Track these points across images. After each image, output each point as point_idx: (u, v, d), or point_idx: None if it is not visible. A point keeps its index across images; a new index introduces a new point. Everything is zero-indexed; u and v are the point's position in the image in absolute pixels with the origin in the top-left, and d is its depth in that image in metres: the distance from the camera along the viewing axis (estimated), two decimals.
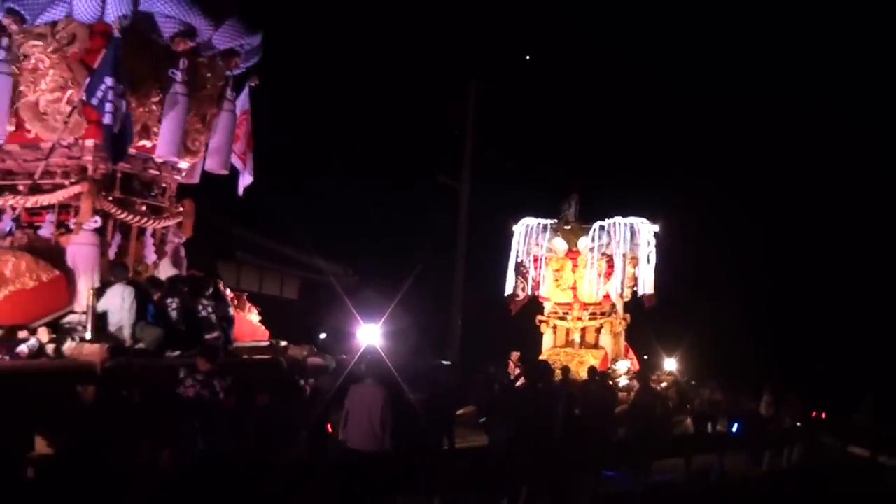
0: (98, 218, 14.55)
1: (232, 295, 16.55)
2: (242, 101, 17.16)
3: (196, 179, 17.05)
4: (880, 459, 32.19)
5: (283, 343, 16.38)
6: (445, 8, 40.57)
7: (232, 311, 15.68)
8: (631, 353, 29.80)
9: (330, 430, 14.91)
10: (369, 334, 16.91)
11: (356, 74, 35.81)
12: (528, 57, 35.49)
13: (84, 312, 13.72)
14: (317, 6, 36.86)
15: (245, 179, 17.62)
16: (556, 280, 29.66)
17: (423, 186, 34.27)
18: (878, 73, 54.98)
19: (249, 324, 16.79)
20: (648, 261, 29.43)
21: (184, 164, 16.14)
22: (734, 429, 25.64)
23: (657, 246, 29.71)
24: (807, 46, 55.71)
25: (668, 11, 53.68)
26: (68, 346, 12.97)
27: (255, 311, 17.13)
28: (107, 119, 13.59)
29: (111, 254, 15.00)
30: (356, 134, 39.95)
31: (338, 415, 13.75)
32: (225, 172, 17.05)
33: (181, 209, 16.21)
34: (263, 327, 17.28)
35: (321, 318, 33.38)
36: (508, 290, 30.11)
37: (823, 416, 35.39)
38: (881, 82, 54.02)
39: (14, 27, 14.34)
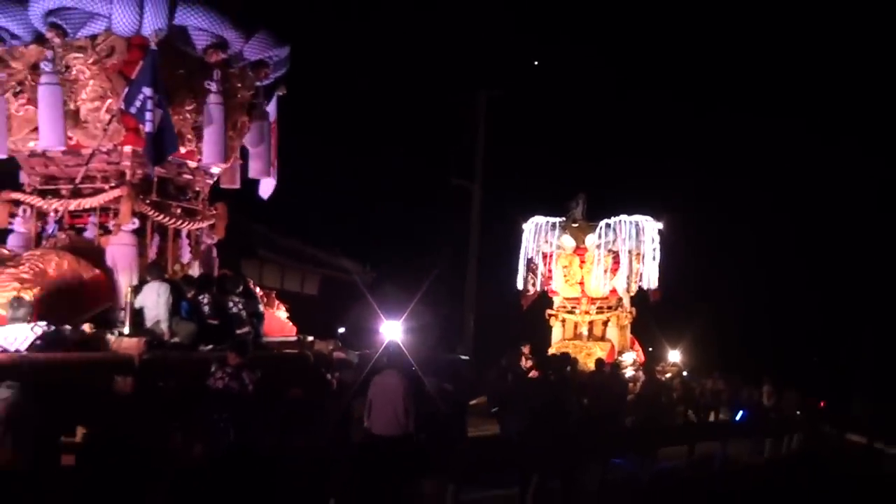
0: (136, 220, 14.85)
1: (261, 293, 16.74)
2: (271, 109, 17.34)
3: (237, 185, 17.34)
4: (876, 446, 32.57)
5: (310, 338, 16.59)
6: (456, 17, 40.97)
7: (262, 307, 15.87)
8: (637, 346, 29.91)
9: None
10: (390, 329, 17.10)
11: (375, 82, 35.96)
12: (535, 63, 35.56)
13: (123, 308, 14.08)
14: (341, 20, 37.29)
15: (270, 184, 17.83)
16: (565, 276, 29.65)
17: (437, 188, 34.38)
18: (867, 77, 55.53)
19: (278, 320, 17.05)
20: (653, 257, 29.55)
21: (215, 169, 16.41)
22: (739, 416, 25.83)
23: (661, 243, 29.84)
24: (793, 55, 56.40)
25: (671, 20, 54.28)
26: (108, 339, 13.20)
27: (283, 308, 17.39)
28: (147, 127, 13.91)
29: (151, 254, 15.29)
30: (372, 138, 40.33)
31: (360, 405, 14.09)
32: (267, 177, 17.36)
33: (214, 212, 16.51)
34: (291, 323, 17.58)
35: (340, 314, 33.68)
36: (519, 286, 30.29)
37: (822, 405, 35.68)
38: (872, 86, 54.60)
39: (57, 40, 14.58)
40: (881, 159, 52.18)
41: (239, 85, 16.24)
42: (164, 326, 13.88)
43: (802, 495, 22.40)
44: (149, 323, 13.90)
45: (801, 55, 56.09)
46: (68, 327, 12.77)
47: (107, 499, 8.35)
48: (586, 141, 47.65)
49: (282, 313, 17.17)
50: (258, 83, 16.75)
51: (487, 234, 33.04)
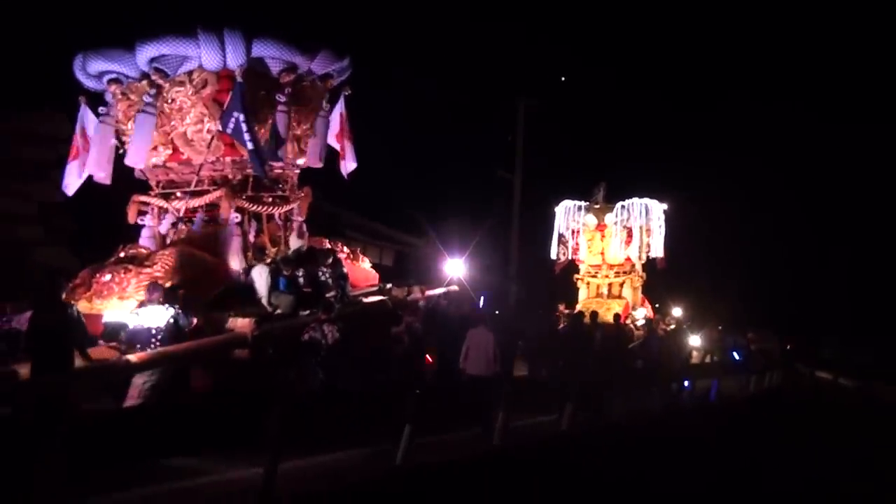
0: (238, 214, 15.02)
1: (348, 250, 16.47)
2: (339, 106, 16.91)
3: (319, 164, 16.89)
4: (840, 381, 33.41)
5: (389, 285, 16.28)
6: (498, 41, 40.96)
7: (345, 269, 15.35)
8: (647, 303, 29.83)
9: (429, 360, 15.23)
10: (453, 267, 16.79)
11: (438, 94, 35.89)
12: (563, 78, 35.26)
13: (236, 288, 14.08)
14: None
15: (349, 166, 17.27)
16: (589, 247, 29.46)
17: (486, 179, 34.28)
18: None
19: (363, 270, 16.63)
20: (659, 232, 29.67)
21: (300, 160, 16.28)
22: (736, 356, 25.84)
23: (665, 220, 29.88)
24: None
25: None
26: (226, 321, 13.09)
27: (367, 260, 17.07)
28: (249, 146, 13.92)
29: (251, 238, 15.33)
30: (434, 139, 40.53)
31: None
32: (319, 165, 16.67)
33: (301, 195, 16.35)
34: (374, 271, 17.34)
35: (412, 279, 33.77)
36: (553, 256, 30.30)
37: (796, 348, 35.87)
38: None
39: (160, 81, 14.70)
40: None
41: (311, 94, 16.06)
42: (264, 300, 13.72)
43: (781, 419, 22.42)
44: (258, 296, 13.83)
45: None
46: (194, 320, 12.45)
47: (232, 427, 8.36)
48: (606, 138, 48.30)
49: (366, 264, 16.77)
50: (326, 92, 16.52)
51: (528, 214, 32.84)
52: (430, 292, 16.12)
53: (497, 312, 17.22)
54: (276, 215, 15.86)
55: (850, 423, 23.58)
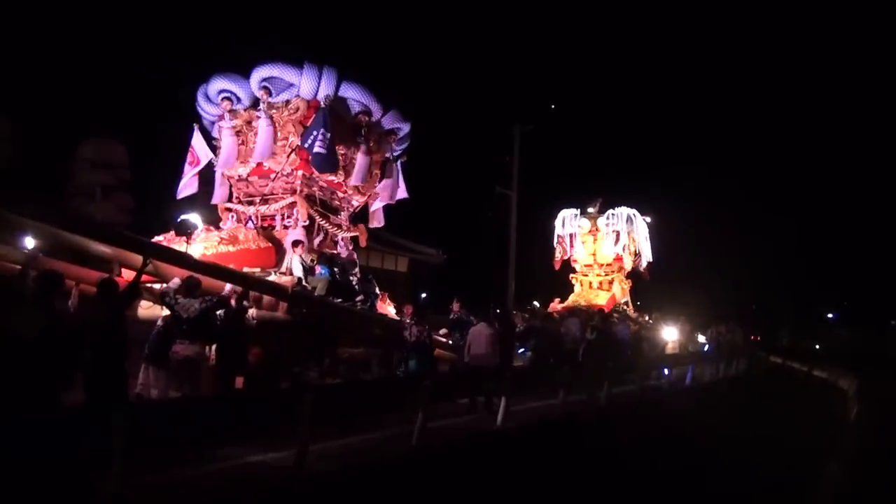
0: (307, 220, 15.56)
1: (380, 292, 16.55)
2: (397, 167, 17.61)
3: (381, 223, 17.71)
4: (788, 363, 36.94)
5: (407, 319, 16.23)
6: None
7: (378, 291, 16.03)
8: (630, 305, 29.85)
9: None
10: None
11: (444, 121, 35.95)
12: (552, 106, 35.19)
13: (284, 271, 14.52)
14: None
15: (402, 193, 17.98)
16: (583, 245, 30.09)
17: (487, 195, 34.34)
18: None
19: (387, 310, 16.73)
20: (645, 243, 30.00)
21: (355, 201, 16.85)
22: (706, 348, 26.06)
23: (649, 232, 30.34)
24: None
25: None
26: (273, 278, 13.67)
27: (392, 304, 17.13)
28: (317, 148, 14.56)
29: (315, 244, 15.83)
30: (442, 160, 40.87)
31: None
32: (392, 201, 17.56)
33: (356, 229, 16.92)
34: (394, 311, 17.29)
35: (422, 283, 34.11)
36: (555, 255, 30.44)
37: (758, 338, 36.95)
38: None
39: (265, 97, 15.39)
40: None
41: (377, 146, 16.63)
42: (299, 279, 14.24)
43: (743, 393, 23.14)
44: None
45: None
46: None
47: (266, 409, 8.26)
48: (596, 155, 49.39)
49: (391, 308, 16.94)
50: (388, 152, 17.04)
51: (525, 226, 32.91)
52: (438, 337, 16.11)
53: (498, 311, 16.90)
54: (332, 235, 16.47)
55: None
